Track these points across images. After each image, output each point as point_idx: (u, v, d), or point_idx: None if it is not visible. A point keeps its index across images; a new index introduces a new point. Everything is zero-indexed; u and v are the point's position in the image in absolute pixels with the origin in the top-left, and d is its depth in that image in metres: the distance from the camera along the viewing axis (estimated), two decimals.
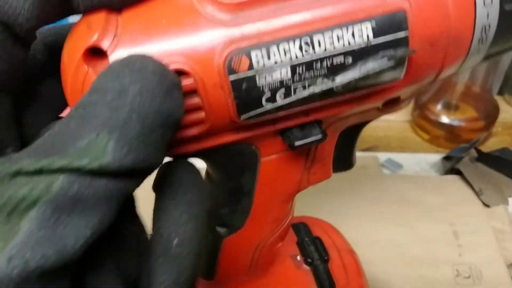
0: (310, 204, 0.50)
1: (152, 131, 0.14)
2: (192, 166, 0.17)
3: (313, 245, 0.38)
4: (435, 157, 0.59)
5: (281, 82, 0.17)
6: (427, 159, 0.59)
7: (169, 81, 0.14)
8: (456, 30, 0.18)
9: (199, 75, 0.17)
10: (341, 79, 0.17)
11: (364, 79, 0.17)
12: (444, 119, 0.59)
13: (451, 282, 0.44)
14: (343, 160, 0.29)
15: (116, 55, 0.17)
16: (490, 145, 0.60)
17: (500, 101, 0.66)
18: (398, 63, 0.17)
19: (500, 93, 0.69)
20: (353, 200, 0.52)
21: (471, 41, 0.19)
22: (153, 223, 0.16)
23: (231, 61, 0.17)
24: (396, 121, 0.65)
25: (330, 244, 0.38)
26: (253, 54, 0.16)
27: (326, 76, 0.17)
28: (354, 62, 0.17)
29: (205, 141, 0.20)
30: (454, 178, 0.54)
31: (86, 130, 0.13)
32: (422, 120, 0.61)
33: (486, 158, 0.55)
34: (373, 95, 0.19)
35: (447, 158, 0.57)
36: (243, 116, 0.18)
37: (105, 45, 0.17)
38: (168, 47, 0.17)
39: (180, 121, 0.15)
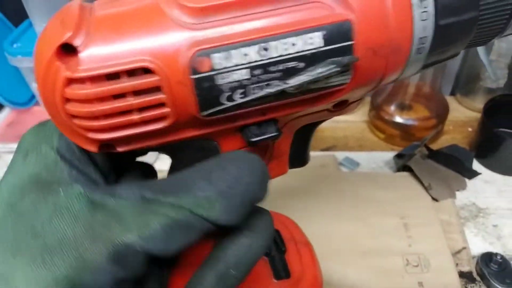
0: (271, 201, 0.52)
1: (246, 208, 0.20)
2: None
3: None
4: (390, 155, 0.62)
5: (240, 82, 0.19)
6: (382, 157, 0.62)
7: (267, 176, 0.20)
8: (396, 41, 0.20)
9: (164, 73, 0.18)
10: (293, 81, 0.19)
11: (314, 83, 0.19)
12: (398, 119, 0.63)
13: (401, 270, 0.47)
14: (298, 157, 0.31)
15: (87, 52, 0.18)
16: (442, 143, 0.64)
17: (452, 101, 0.71)
18: (345, 69, 0.19)
19: (453, 93, 0.73)
20: (311, 197, 0.54)
21: (410, 51, 0.21)
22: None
23: (195, 62, 0.18)
24: (354, 121, 0.68)
25: (288, 237, 0.40)
26: (215, 56, 0.18)
27: (280, 78, 0.19)
28: (306, 67, 0.19)
29: (169, 136, 0.22)
30: (405, 175, 0.57)
31: (207, 188, 0.19)
32: (378, 120, 0.65)
33: (435, 155, 0.59)
34: (323, 97, 0.21)
35: (399, 156, 0.60)
36: (204, 113, 0.20)
37: (77, 42, 0.18)
38: (137, 46, 0.18)
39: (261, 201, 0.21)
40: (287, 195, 0.54)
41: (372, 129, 0.67)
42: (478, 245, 0.50)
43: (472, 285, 0.46)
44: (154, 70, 0.18)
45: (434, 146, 0.62)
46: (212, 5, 0.18)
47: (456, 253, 0.49)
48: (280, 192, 0.53)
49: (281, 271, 0.37)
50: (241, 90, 0.19)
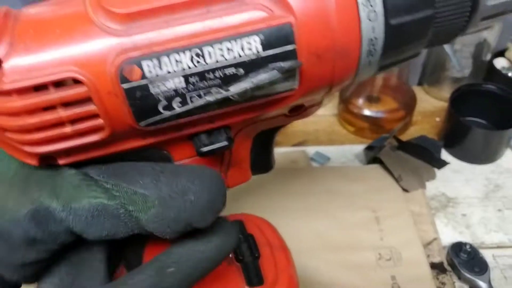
0: (243, 200, 0.52)
1: (178, 225, 0.19)
2: None
3: (246, 243, 0.39)
4: (360, 147, 0.62)
5: (176, 91, 0.18)
6: (353, 150, 0.62)
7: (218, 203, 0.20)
8: (342, 43, 0.19)
9: (92, 83, 0.17)
10: (234, 89, 0.18)
11: (258, 89, 0.18)
12: (367, 111, 0.63)
13: (373, 265, 0.47)
14: (262, 163, 0.30)
15: (10, 63, 0.17)
16: (411, 133, 0.64)
17: (419, 91, 0.71)
18: (289, 74, 0.18)
19: (420, 83, 0.74)
20: (283, 194, 0.54)
21: (359, 54, 0.20)
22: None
23: (123, 70, 0.17)
24: (324, 115, 0.68)
25: (263, 241, 0.39)
26: (145, 63, 0.17)
27: (220, 86, 0.18)
28: (246, 73, 0.18)
29: (111, 147, 0.21)
30: (375, 167, 0.57)
31: (150, 187, 0.19)
32: (347, 113, 0.64)
33: (405, 146, 0.59)
34: (272, 103, 0.20)
35: (369, 148, 0.60)
36: (142, 123, 0.19)
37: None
38: (61, 55, 0.17)
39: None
40: (258, 193, 0.53)
41: (341, 122, 0.66)
42: (448, 235, 0.50)
43: (443, 275, 0.46)
44: (82, 80, 0.17)
45: (403, 137, 0.62)
46: (140, 10, 0.17)
47: (427, 245, 0.49)
48: (251, 190, 0.53)
49: (254, 277, 0.36)
50: (179, 99, 0.18)
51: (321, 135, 0.65)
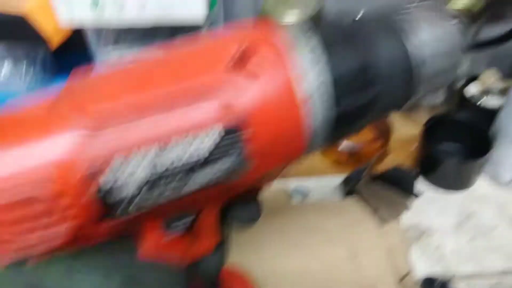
0: None
1: None
2: None
3: None
4: (339, 179, 0.64)
5: (142, 183, 0.20)
6: (332, 182, 0.64)
7: None
8: (292, 131, 0.22)
9: (63, 183, 0.19)
10: (194, 181, 0.20)
11: (217, 178, 0.21)
12: (344, 143, 0.65)
13: None
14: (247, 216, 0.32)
15: None
16: (388, 162, 0.66)
17: (396, 117, 0.73)
18: (244, 163, 0.21)
19: None
20: (263, 232, 0.56)
21: (308, 136, 0.22)
22: None
23: (91, 171, 0.19)
24: None
25: None
26: (112, 165, 0.19)
27: (181, 179, 0.20)
28: (205, 164, 0.20)
29: (76, 243, 0.23)
30: (352, 200, 0.59)
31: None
32: None
33: (380, 178, 0.61)
34: (231, 187, 0.23)
35: (346, 181, 0.62)
36: (110, 216, 0.21)
37: None
38: (29, 159, 0.19)
39: None
40: (238, 230, 0.55)
41: (321, 153, 0.68)
42: (423, 267, 0.52)
43: None
44: (54, 179, 0.19)
45: (381, 167, 0.64)
46: (110, 110, 0.19)
47: (402, 279, 0.51)
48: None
49: None
50: (144, 193, 0.20)
51: (301, 167, 0.67)
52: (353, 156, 0.65)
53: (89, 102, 0.20)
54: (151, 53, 0.23)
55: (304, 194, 0.62)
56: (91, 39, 0.51)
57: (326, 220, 0.57)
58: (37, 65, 0.54)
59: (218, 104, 0.20)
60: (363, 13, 0.26)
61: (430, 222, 0.57)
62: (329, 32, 0.23)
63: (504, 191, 0.60)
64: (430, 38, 0.25)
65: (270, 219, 0.57)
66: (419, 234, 0.56)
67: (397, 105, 0.28)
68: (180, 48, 0.23)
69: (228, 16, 0.68)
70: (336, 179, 0.64)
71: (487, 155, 0.57)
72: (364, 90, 0.24)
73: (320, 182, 0.64)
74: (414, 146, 0.68)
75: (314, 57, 0.22)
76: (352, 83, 0.23)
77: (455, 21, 0.26)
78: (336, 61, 0.22)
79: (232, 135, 0.20)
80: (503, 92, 0.65)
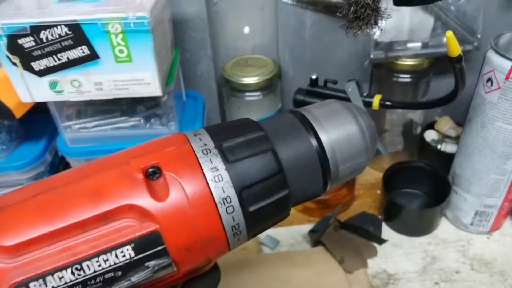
0: None
1: None
2: None
3: None
4: (308, 227, 0.65)
5: None
6: (301, 230, 0.65)
7: None
8: (208, 235, 0.23)
9: None
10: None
11: (140, 282, 0.22)
12: None
13: None
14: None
15: None
16: (354, 208, 0.68)
17: None
18: (164, 268, 0.22)
19: None
20: (232, 283, 0.56)
21: (226, 239, 0.23)
22: None
23: None
24: None
25: None
26: (32, 284, 0.20)
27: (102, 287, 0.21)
28: (124, 274, 0.21)
29: None
30: (320, 250, 0.61)
31: None
32: None
33: (346, 226, 0.63)
34: (158, 285, 0.24)
35: (313, 231, 0.63)
36: None
37: None
38: None
39: None
40: None
41: None
42: None
43: None
44: None
45: (347, 212, 0.66)
46: (25, 241, 0.20)
47: None
48: None
49: None
50: None
51: None
52: (321, 204, 0.67)
53: (4, 237, 0.20)
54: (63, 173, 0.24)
55: (275, 243, 0.63)
56: (53, 114, 0.52)
57: (295, 270, 0.58)
58: (3, 133, 0.55)
59: (130, 219, 0.21)
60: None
61: (396, 268, 0.58)
62: (237, 144, 0.24)
63: (465, 233, 0.62)
64: (337, 137, 0.26)
65: (238, 270, 0.58)
66: (386, 280, 0.57)
67: (315, 194, 0.28)
68: (93, 164, 0.24)
69: (191, 81, 0.71)
70: (305, 227, 0.66)
71: (447, 200, 0.60)
72: (275, 192, 0.24)
73: (290, 230, 0.66)
74: (379, 191, 0.70)
75: (218, 174, 0.23)
76: (260, 190, 0.24)
77: (363, 119, 0.27)
78: (243, 172, 0.23)
79: (147, 246, 0.21)
80: (457, 139, 0.69)
